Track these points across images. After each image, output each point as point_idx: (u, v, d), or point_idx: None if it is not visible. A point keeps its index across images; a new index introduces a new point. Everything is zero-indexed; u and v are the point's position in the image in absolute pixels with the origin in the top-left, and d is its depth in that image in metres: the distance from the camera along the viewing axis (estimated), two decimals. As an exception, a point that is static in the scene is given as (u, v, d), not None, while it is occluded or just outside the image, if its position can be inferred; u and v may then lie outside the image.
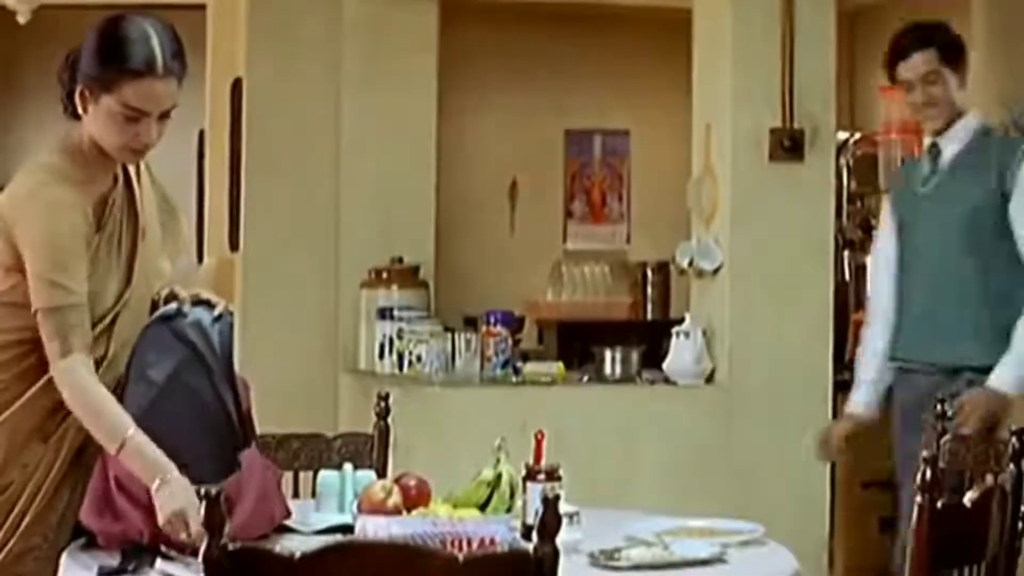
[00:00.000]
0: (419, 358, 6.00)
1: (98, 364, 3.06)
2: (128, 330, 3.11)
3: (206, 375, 3.10)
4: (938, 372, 4.39)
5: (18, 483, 3.04)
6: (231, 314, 3.25)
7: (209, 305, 3.18)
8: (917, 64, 4.47)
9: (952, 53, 4.48)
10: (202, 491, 2.29)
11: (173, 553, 2.87)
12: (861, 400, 4.65)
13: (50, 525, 3.05)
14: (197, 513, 2.83)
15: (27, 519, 3.03)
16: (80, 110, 3.07)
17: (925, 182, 4.50)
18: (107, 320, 3.09)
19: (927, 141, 4.58)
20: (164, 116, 3.06)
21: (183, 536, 2.89)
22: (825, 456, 4.78)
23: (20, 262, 3.01)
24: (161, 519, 2.90)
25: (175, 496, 2.92)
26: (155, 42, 3.01)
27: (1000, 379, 4.28)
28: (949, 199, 4.41)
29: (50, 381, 3.04)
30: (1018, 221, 4.30)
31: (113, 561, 2.89)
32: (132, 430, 2.96)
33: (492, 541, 2.79)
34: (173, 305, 3.16)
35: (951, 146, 4.47)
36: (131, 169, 3.19)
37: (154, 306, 3.19)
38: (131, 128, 3.04)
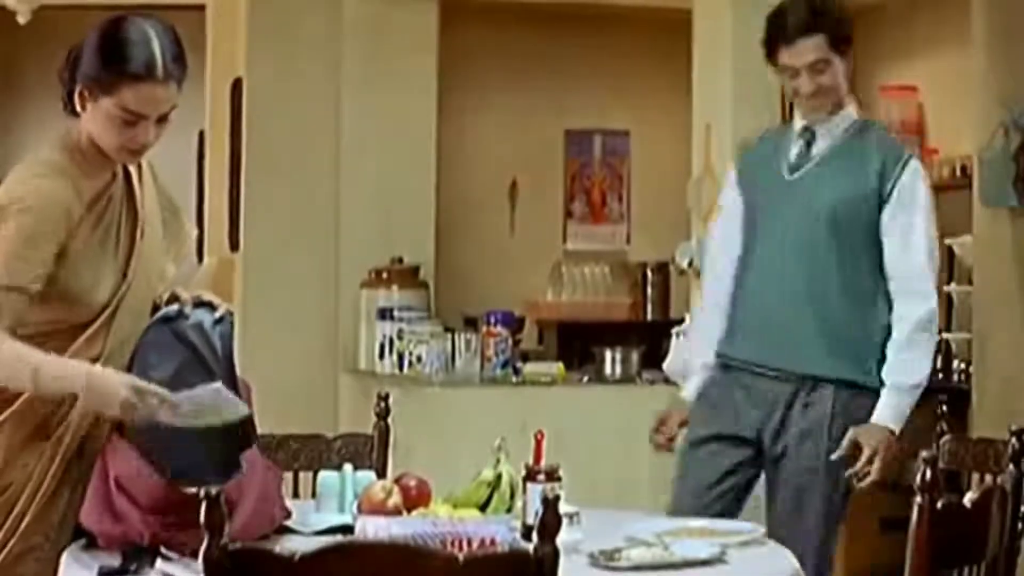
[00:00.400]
0: (419, 358, 6.01)
1: (93, 362, 3.06)
2: (127, 329, 3.11)
3: (208, 378, 3.10)
4: (791, 380, 3.95)
5: (18, 483, 3.04)
6: (231, 315, 3.25)
7: (211, 307, 3.18)
8: (804, 51, 3.92)
9: (841, 38, 3.95)
10: (202, 492, 2.29)
11: (173, 554, 2.87)
12: (696, 384, 4.15)
13: (51, 525, 3.05)
14: (135, 388, 2.91)
15: (27, 519, 3.03)
16: (79, 109, 3.07)
17: (794, 169, 4.02)
18: (104, 316, 3.09)
19: (798, 123, 4.06)
20: (162, 119, 3.06)
21: (152, 404, 2.92)
22: (663, 446, 4.18)
23: None
24: (111, 411, 2.94)
25: (102, 401, 2.94)
26: (156, 45, 3.01)
27: (885, 416, 3.87)
28: (820, 190, 3.96)
29: None
30: (889, 232, 3.92)
31: (114, 561, 2.89)
32: (37, 357, 2.95)
33: (492, 541, 2.79)
34: (175, 306, 3.16)
35: (827, 135, 4.01)
36: (132, 167, 3.20)
37: (156, 308, 3.19)
38: (129, 130, 3.04)
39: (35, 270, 2.99)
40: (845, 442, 3.86)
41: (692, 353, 4.25)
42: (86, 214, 3.06)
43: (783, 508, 3.92)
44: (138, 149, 3.08)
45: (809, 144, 4.02)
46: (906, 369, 3.89)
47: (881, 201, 3.92)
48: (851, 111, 4.04)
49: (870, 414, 3.88)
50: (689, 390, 4.18)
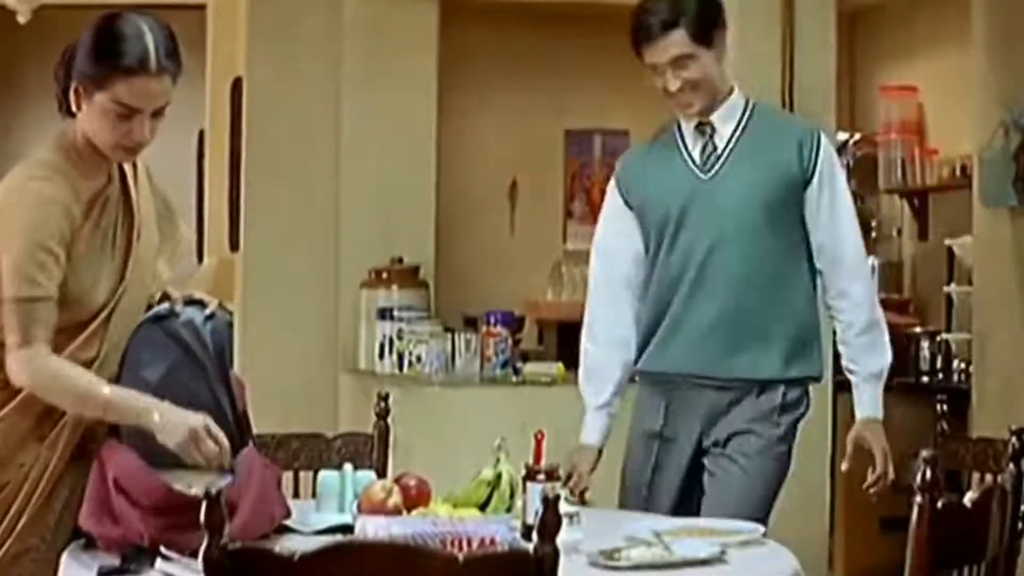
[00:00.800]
0: (419, 358, 6.01)
1: (89, 364, 3.06)
2: (121, 332, 3.10)
3: (201, 375, 3.10)
4: (736, 388, 3.78)
5: (14, 483, 3.04)
6: (230, 313, 3.25)
7: (201, 304, 3.18)
8: (665, 48, 3.76)
9: (705, 29, 3.76)
10: (203, 491, 2.29)
11: (173, 554, 2.86)
12: (600, 428, 3.93)
13: (47, 526, 3.04)
14: (206, 427, 2.96)
15: (23, 520, 3.02)
16: (74, 107, 3.08)
17: (706, 167, 3.81)
18: (100, 318, 3.09)
19: (688, 122, 3.86)
20: (157, 114, 3.06)
21: (212, 449, 2.97)
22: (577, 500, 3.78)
23: None
24: (178, 447, 2.97)
25: (173, 430, 2.97)
26: (149, 40, 3.02)
27: (870, 408, 3.80)
28: (745, 181, 3.77)
29: None
30: (817, 210, 3.78)
31: (114, 561, 2.89)
32: (107, 390, 2.99)
33: (492, 541, 2.79)
34: (165, 305, 3.17)
35: (726, 124, 3.83)
36: (128, 169, 3.20)
37: (148, 308, 3.19)
38: (123, 125, 3.04)
39: (52, 272, 2.99)
40: (849, 450, 3.78)
41: (587, 393, 3.96)
42: (84, 216, 3.07)
43: (719, 492, 3.74)
44: (133, 146, 3.08)
45: (711, 138, 3.84)
46: (875, 353, 3.81)
47: (805, 180, 3.78)
48: (738, 95, 3.88)
49: (805, 397, 3.83)
50: (590, 436, 3.93)
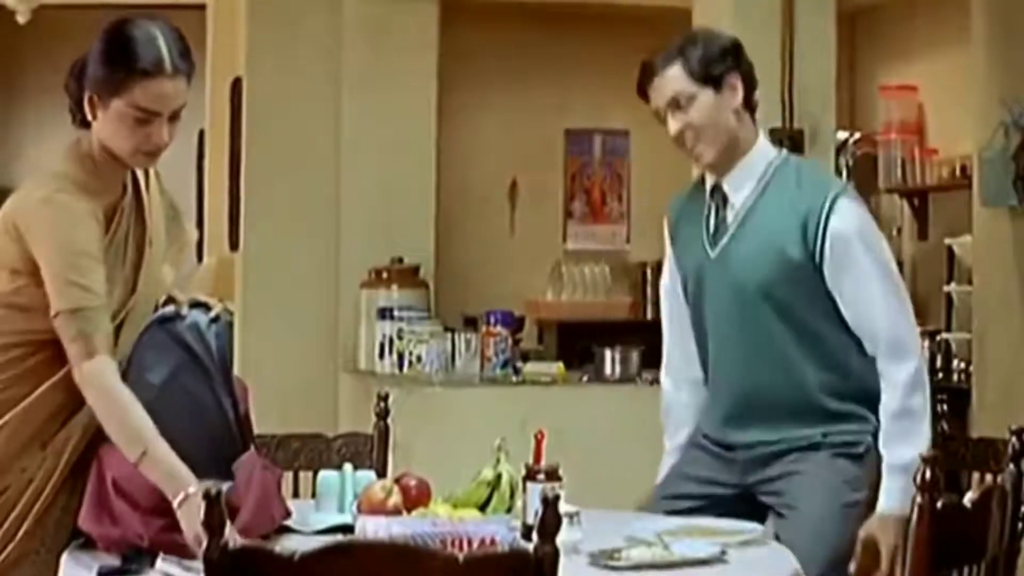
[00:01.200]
0: (419, 358, 6.02)
1: None
2: (130, 341, 3.10)
3: (204, 378, 3.10)
4: (772, 454, 3.57)
5: (14, 488, 3.02)
6: (231, 314, 3.25)
7: (206, 308, 3.18)
8: (663, 86, 3.52)
9: (709, 67, 3.49)
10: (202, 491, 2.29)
11: (172, 555, 2.86)
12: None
13: (48, 531, 3.04)
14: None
15: (25, 525, 3.01)
16: (89, 117, 3.05)
17: (713, 242, 3.59)
18: (112, 328, 3.08)
19: (708, 181, 3.61)
20: (174, 117, 3.05)
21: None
22: None
23: (28, 265, 3.00)
24: (188, 537, 2.86)
25: (194, 515, 2.84)
26: (161, 42, 3.01)
27: (894, 502, 3.43)
28: (745, 269, 3.52)
29: (52, 386, 3.02)
30: (839, 294, 3.50)
31: (114, 561, 2.89)
32: (155, 440, 2.92)
33: (492, 541, 2.79)
34: (171, 308, 3.16)
35: (740, 191, 3.56)
36: (140, 177, 3.19)
37: (153, 311, 3.19)
38: (142, 130, 3.02)
39: (99, 278, 2.97)
40: (857, 549, 3.46)
41: (665, 432, 3.82)
42: (104, 230, 3.06)
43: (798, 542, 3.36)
44: (153, 151, 3.07)
45: (723, 205, 3.59)
46: (903, 444, 3.46)
47: (813, 262, 3.49)
48: (760, 154, 3.59)
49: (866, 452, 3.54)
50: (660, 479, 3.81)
